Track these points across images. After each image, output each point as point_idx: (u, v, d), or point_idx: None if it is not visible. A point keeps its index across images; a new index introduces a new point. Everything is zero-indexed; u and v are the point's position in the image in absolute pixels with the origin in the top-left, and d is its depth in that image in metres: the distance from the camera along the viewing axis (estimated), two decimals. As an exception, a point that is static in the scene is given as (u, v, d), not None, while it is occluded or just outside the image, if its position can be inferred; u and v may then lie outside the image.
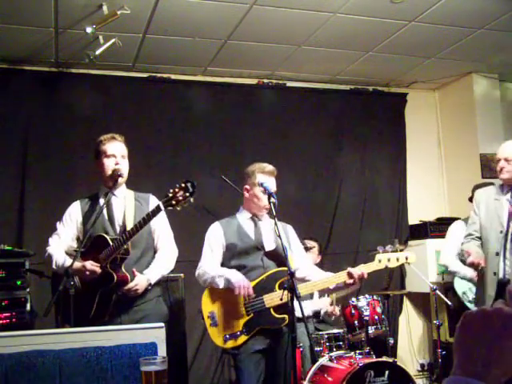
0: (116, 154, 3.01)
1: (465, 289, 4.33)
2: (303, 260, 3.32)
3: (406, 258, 3.15)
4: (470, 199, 4.11)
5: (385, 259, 3.09)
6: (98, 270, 2.80)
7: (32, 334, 2.06)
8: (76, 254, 2.79)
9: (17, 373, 1.84)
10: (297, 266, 3.22)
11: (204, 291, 3.10)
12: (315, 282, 3.12)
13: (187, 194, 2.59)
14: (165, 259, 3.07)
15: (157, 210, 2.72)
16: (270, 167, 3.16)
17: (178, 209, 2.65)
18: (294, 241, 3.31)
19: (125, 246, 2.83)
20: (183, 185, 2.60)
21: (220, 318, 3.01)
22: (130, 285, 2.84)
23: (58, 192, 4.58)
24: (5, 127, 4.65)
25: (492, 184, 3.87)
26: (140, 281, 2.87)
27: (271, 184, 3.11)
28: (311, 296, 4.49)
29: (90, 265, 2.80)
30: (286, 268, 2.76)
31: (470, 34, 4.70)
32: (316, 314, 4.54)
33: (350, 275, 2.99)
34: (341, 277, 3.04)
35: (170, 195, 2.62)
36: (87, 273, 2.80)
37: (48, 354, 1.90)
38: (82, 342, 1.97)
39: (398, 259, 3.13)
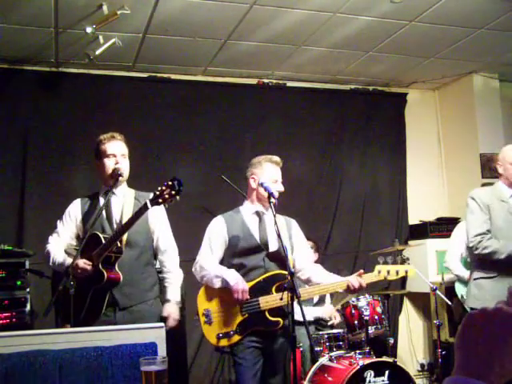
0: (116, 153, 3.00)
1: (464, 292, 4.32)
2: (307, 260, 3.29)
3: (406, 272, 3.13)
4: None
5: (384, 271, 3.06)
6: (89, 268, 2.80)
7: (32, 333, 2.06)
8: (76, 253, 2.79)
9: (17, 373, 1.84)
10: (301, 266, 3.20)
11: (200, 289, 3.10)
12: (314, 288, 3.10)
13: (173, 192, 2.62)
14: (176, 274, 3.14)
15: (144, 208, 2.73)
16: (276, 158, 3.19)
17: (166, 206, 2.71)
18: (297, 237, 3.24)
19: (118, 244, 2.83)
20: (170, 183, 2.63)
21: (215, 317, 3.00)
22: (171, 323, 2.96)
23: (58, 192, 4.58)
24: (5, 127, 4.65)
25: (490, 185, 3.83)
26: (173, 310, 3.00)
27: (277, 173, 3.13)
28: (312, 302, 4.50)
29: (83, 263, 2.80)
30: (285, 272, 2.75)
31: (469, 34, 4.70)
32: (317, 321, 4.53)
33: (349, 286, 2.97)
34: (340, 285, 3.03)
35: (157, 193, 2.66)
36: (78, 271, 2.80)
37: (48, 354, 1.90)
38: (82, 342, 1.97)
39: (397, 272, 3.10)
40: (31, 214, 4.58)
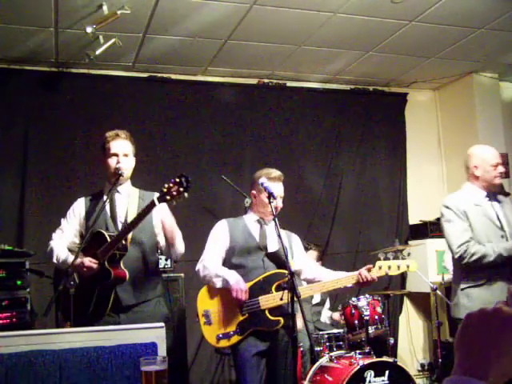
0: (118, 152, 3.01)
1: None
2: (308, 262, 3.32)
3: (408, 266, 3.11)
4: None
5: (385, 266, 3.06)
6: (96, 266, 2.79)
7: (32, 333, 2.06)
8: (78, 251, 2.79)
9: (17, 373, 1.84)
10: (301, 267, 3.22)
11: (200, 289, 3.10)
12: (325, 283, 3.10)
13: (181, 189, 2.59)
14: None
15: (151, 205, 2.71)
16: (276, 173, 3.15)
17: (174, 203, 2.65)
18: (297, 249, 3.30)
19: (123, 242, 2.83)
20: (178, 179, 2.60)
21: (214, 317, 3.00)
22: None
23: (58, 192, 4.58)
24: (5, 127, 4.65)
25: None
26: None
27: (278, 189, 3.10)
28: (323, 303, 4.54)
29: (88, 261, 2.79)
30: (284, 271, 2.75)
31: (469, 33, 4.70)
32: (332, 324, 4.60)
33: (361, 277, 3.00)
34: (352, 278, 3.04)
35: (165, 190, 2.63)
36: (84, 269, 2.79)
37: (48, 354, 1.90)
38: (82, 342, 1.97)
39: (399, 267, 3.09)
40: (31, 214, 4.58)
